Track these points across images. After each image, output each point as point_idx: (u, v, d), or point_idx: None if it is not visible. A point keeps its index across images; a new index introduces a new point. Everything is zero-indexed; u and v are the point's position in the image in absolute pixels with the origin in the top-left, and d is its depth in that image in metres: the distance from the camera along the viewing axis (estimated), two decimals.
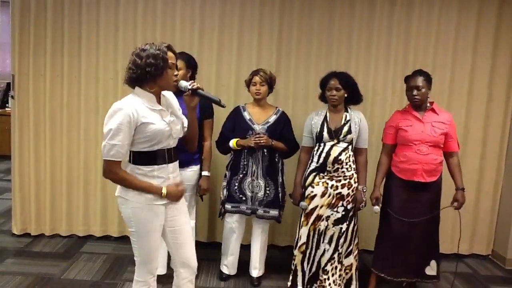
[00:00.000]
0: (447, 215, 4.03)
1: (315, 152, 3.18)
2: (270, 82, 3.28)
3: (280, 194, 3.33)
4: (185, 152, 3.00)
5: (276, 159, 3.32)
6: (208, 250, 3.83)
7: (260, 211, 3.29)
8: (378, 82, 3.96)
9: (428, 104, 3.12)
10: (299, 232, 3.22)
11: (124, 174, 2.17)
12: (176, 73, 2.22)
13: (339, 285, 3.20)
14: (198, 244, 3.32)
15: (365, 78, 3.94)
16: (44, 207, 4.11)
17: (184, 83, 2.24)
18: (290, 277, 3.28)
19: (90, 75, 3.95)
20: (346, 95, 3.12)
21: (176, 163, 2.34)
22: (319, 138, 3.14)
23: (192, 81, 2.28)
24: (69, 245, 4.01)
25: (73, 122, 4.01)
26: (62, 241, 4.09)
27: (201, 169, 3.25)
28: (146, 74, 2.08)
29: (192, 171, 3.19)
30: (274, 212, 3.31)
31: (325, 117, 3.17)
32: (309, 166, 3.20)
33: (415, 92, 3.05)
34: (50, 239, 4.10)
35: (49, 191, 4.08)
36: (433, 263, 3.20)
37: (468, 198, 4.05)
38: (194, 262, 2.44)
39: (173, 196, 2.26)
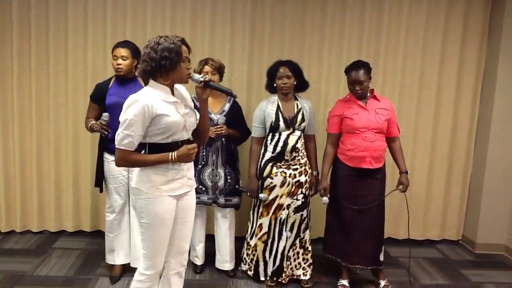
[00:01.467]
0: (418, 202, 4.14)
1: (269, 142, 3.18)
2: (220, 71, 3.31)
3: (240, 182, 3.40)
4: None
5: (233, 147, 3.39)
6: None
7: (222, 200, 3.31)
8: None
9: (369, 93, 3.16)
10: (256, 222, 3.24)
11: (135, 156, 2.18)
12: (189, 66, 2.24)
13: (304, 268, 3.24)
14: None
15: (338, 69, 3.96)
16: (14, 203, 4.02)
17: (196, 76, 2.26)
18: (252, 268, 3.31)
19: (59, 68, 3.87)
20: (295, 82, 3.15)
21: None
22: (274, 128, 3.14)
23: (205, 73, 2.30)
24: (41, 241, 3.94)
25: (43, 116, 3.92)
26: (33, 237, 4.01)
27: None
28: (161, 67, 2.12)
29: None
30: (236, 200, 3.35)
31: (278, 106, 3.17)
32: (263, 156, 3.21)
33: (357, 87, 3.07)
34: (21, 236, 4.02)
35: (19, 187, 3.99)
36: (383, 248, 3.27)
37: (438, 185, 4.19)
38: (187, 255, 2.48)
39: (184, 156, 2.20)
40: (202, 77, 2.26)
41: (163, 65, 2.11)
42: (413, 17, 3.97)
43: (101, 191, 3.24)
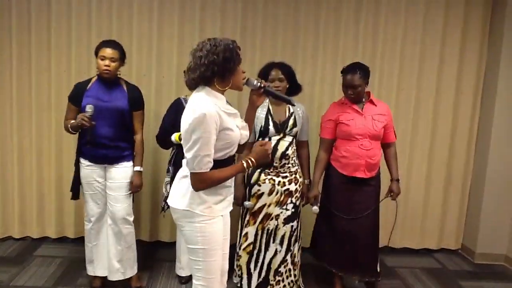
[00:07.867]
0: (415, 209, 4.00)
1: None
2: None
3: None
4: (113, 148, 2.89)
5: None
6: (168, 250, 3.63)
7: None
8: None
9: (366, 96, 3.01)
10: (242, 232, 3.06)
11: (212, 175, 1.95)
12: (244, 70, 2.05)
13: (294, 285, 3.07)
14: (141, 244, 3.31)
15: (333, 70, 3.82)
16: None
17: (254, 81, 2.07)
18: (237, 279, 3.12)
19: (42, 67, 3.71)
20: (287, 85, 2.98)
21: None
22: (264, 133, 2.96)
23: (259, 78, 2.14)
24: (22, 248, 3.78)
25: (24, 117, 3.77)
26: (14, 244, 3.85)
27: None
28: (224, 70, 1.92)
29: (124, 168, 2.98)
30: None
31: (268, 110, 3.00)
32: None
33: (350, 91, 2.92)
34: (2, 242, 3.86)
35: (0, 191, 3.83)
36: (378, 259, 3.12)
37: (437, 191, 4.05)
38: (227, 275, 2.28)
39: (264, 156, 2.08)
40: (260, 83, 2.08)
41: (227, 67, 1.91)
42: (410, 17, 3.83)
43: (77, 197, 3.06)
